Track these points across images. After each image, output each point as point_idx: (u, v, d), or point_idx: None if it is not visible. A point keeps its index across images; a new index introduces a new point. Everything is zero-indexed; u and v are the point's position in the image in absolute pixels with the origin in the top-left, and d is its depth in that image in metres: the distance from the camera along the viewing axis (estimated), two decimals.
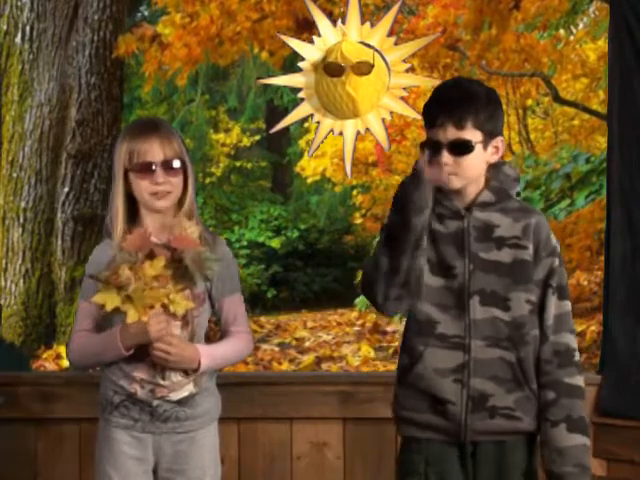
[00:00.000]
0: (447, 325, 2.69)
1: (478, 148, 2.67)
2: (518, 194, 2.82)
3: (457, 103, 2.68)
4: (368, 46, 3.52)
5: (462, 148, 2.66)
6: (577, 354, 2.72)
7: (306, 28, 7.48)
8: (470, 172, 2.69)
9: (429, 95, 2.84)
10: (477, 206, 2.71)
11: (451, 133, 2.66)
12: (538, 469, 2.76)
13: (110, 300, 2.72)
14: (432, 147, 2.68)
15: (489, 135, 2.69)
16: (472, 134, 2.66)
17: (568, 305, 2.73)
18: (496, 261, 2.69)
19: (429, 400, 2.70)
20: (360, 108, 3.58)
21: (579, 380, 2.71)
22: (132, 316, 2.74)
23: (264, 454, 3.91)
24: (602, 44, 9.32)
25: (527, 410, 2.69)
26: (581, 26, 9.71)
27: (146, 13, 11.92)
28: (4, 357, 7.13)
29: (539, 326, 2.70)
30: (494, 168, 2.72)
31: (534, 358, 2.69)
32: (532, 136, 10.87)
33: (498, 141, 2.72)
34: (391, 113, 3.58)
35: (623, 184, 3.95)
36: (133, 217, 2.94)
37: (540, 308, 2.71)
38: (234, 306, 2.97)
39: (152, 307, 2.76)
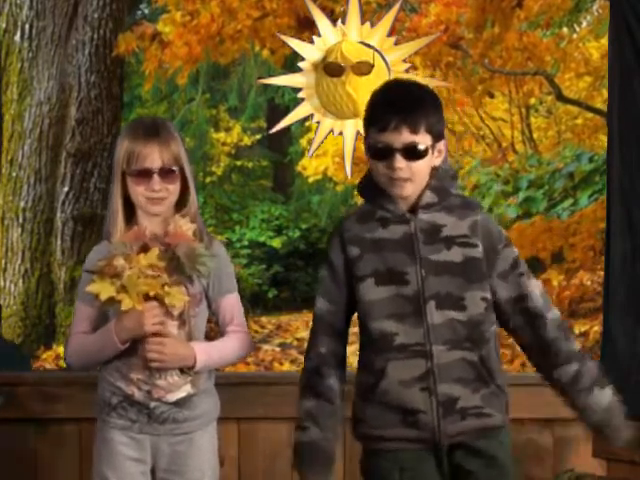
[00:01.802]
0: (406, 334, 2.67)
1: (428, 152, 2.68)
2: (460, 188, 2.78)
3: (411, 106, 2.65)
4: (368, 46, 3.53)
5: (416, 153, 2.66)
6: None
7: (307, 26, 7.43)
8: (421, 177, 2.69)
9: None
10: (421, 208, 2.70)
11: (405, 137, 2.64)
12: (510, 459, 2.80)
13: (104, 290, 2.72)
14: (383, 152, 2.66)
15: (436, 139, 2.70)
16: (424, 138, 2.66)
17: (540, 283, 2.79)
18: (447, 261, 2.68)
19: (399, 414, 2.68)
20: (360, 108, 3.58)
21: (578, 344, 2.80)
22: (126, 304, 2.73)
23: (264, 454, 3.94)
24: (606, 42, 9.26)
25: (496, 406, 2.70)
26: (584, 24, 9.67)
27: (146, 11, 11.87)
28: (8, 357, 7.12)
29: (525, 314, 2.71)
30: (433, 170, 2.70)
31: (497, 354, 2.70)
32: (535, 135, 10.83)
33: (442, 144, 2.73)
34: None
35: (623, 184, 3.96)
36: (131, 218, 2.94)
37: (518, 297, 2.73)
38: (231, 305, 2.98)
39: (147, 295, 2.74)
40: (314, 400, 2.75)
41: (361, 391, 2.76)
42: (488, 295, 2.71)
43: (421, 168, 2.68)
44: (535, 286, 2.76)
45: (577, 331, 8.76)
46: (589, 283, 9.07)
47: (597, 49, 9.45)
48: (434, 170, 2.73)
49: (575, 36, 9.58)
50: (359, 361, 2.78)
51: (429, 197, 2.71)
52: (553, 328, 2.75)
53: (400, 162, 2.65)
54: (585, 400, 2.78)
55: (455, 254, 2.70)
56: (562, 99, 9.88)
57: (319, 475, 2.80)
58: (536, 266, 9.37)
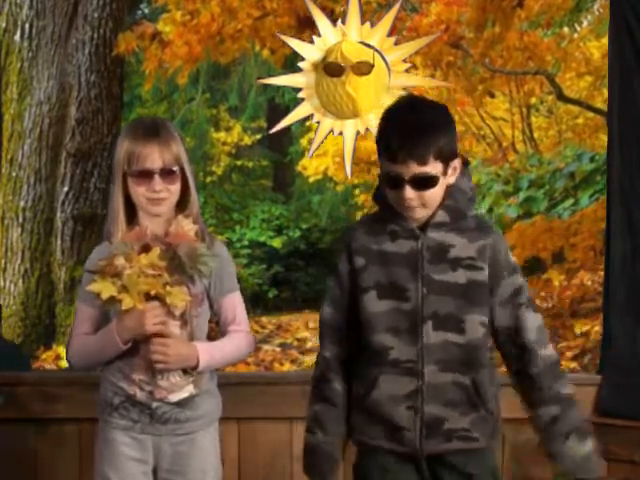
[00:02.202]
0: (400, 350, 2.68)
1: (440, 179, 2.61)
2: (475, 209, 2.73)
3: (418, 137, 2.60)
4: (368, 46, 3.53)
5: (426, 183, 2.63)
6: (559, 362, 2.73)
7: (308, 26, 7.41)
8: (433, 202, 2.67)
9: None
10: (431, 226, 2.68)
11: (413, 169, 2.61)
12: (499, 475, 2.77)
13: (105, 289, 2.72)
14: (393, 181, 2.64)
15: (448, 160, 2.66)
16: (434, 167, 2.63)
17: (541, 318, 2.74)
18: (451, 282, 2.67)
19: (385, 427, 2.69)
20: (360, 108, 3.59)
21: (570, 388, 2.75)
22: (127, 303, 2.73)
23: (264, 454, 3.95)
24: (606, 42, 9.26)
25: (483, 431, 2.69)
26: (585, 24, 9.66)
27: (146, 11, 11.86)
28: (8, 357, 7.10)
29: (518, 346, 2.68)
30: (450, 185, 2.66)
31: (492, 377, 2.68)
32: (536, 135, 10.82)
33: (455, 162, 2.69)
34: None
35: (623, 184, 3.97)
36: (132, 218, 2.94)
37: (514, 328, 2.70)
38: (232, 305, 2.98)
39: (148, 295, 2.74)
40: (320, 404, 2.82)
41: (354, 400, 2.78)
42: (486, 320, 2.70)
43: (433, 195, 2.66)
44: (533, 320, 2.72)
45: (578, 331, 8.74)
46: (590, 283, 9.06)
47: (598, 49, 9.43)
48: (450, 187, 2.70)
49: (576, 36, 9.57)
50: (353, 371, 2.80)
51: (441, 216, 2.69)
52: (543, 365, 2.72)
53: (410, 193, 2.63)
54: (558, 447, 2.73)
55: (460, 276, 2.68)
56: (563, 99, 9.87)
57: (323, 477, 2.85)
58: (537, 266, 9.37)
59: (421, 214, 2.68)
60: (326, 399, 2.81)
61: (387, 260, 2.69)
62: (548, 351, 2.73)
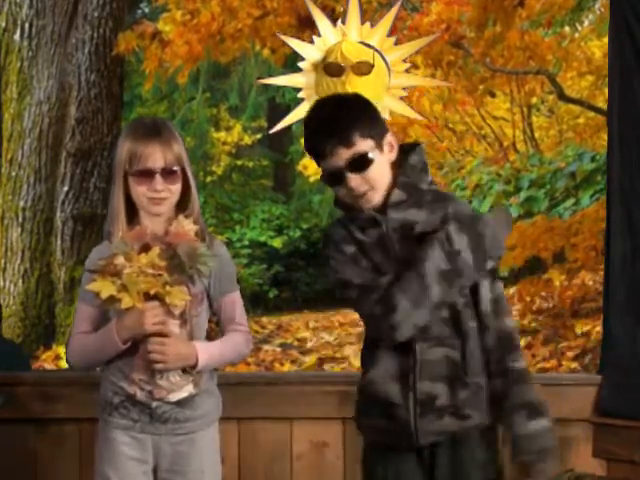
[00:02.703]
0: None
1: (376, 155, 2.63)
2: (433, 182, 2.73)
3: (334, 125, 2.65)
4: (368, 46, 3.52)
5: (362, 163, 2.65)
6: (517, 336, 2.69)
7: (308, 25, 7.40)
8: (380, 181, 2.68)
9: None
10: (390, 207, 2.69)
11: (344, 154, 2.64)
12: (499, 461, 2.77)
13: (105, 288, 2.72)
14: (334, 177, 2.67)
15: (379, 137, 2.68)
16: (363, 144, 2.65)
17: (501, 286, 2.72)
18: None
19: (381, 405, 2.71)
20: None
21: (524, 363, 2.71)
22: (127, 302, 2.73)
23: (264, 454, 3.97)
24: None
25: (475, 406, 2.69)
26: (586, 23, 9.64)
27: (146, 10, 11.85)
28: (7, 357, 7.10)
29: (476, 315, 2.67)
30: (400, 162, 2.67)
31: (479, 351, 2.67)
32: (537, 134, 10.81)
33: (388, 137, 2.70)
34: (391, 113, 3.58)
35: (623, 184, 3.98)
36: (132, 218, 2.94)
37: (476, 297, 2.67)
38: (232, 305, 2.99)
39: (147, 294, 2.74)
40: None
41: (359, 381, 2.84)
42: (466, 290, 2.70)
43: (376, 173, 2.68)
44: (489, 290, 2.71)
45: (579, 331, 8.74)
46: (591, 283, 9.05)
47: (599, 48, 9.41)
48: (399, 161, 2.71)
49: (577, 35, 9.56)
50: (361, 355, 2.84)
51: (397, 195, 2.70)
52: (492, 338, 2.70)
53: (353, 180, 2.66)
54: (506, 420, 2.71)
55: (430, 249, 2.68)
56: (564, 98, 9.86)
57: None
58: (537, 266, 9.35)
59: (375, 198, 2.69)
60: None
61: (365, 248, 2.73)
62: (500, 323, 2.71)
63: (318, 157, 2.71)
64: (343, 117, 2.67)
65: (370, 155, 2.66)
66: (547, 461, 2.67)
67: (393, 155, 2.72)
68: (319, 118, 2.73)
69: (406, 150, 2.75)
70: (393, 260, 2.69)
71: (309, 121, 2.76)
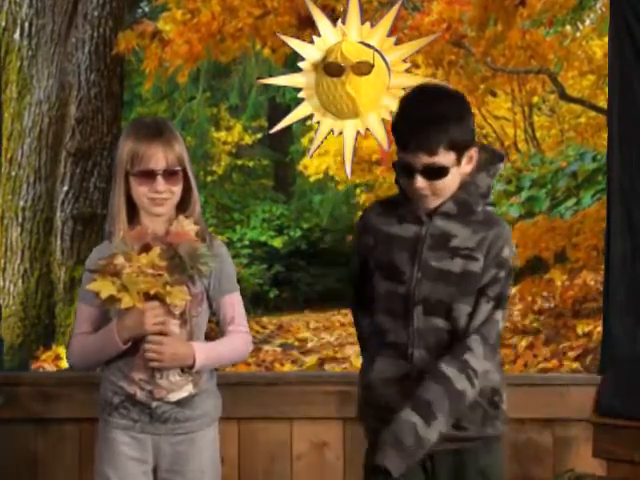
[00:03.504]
0: (396, 333, 2.72)
1: (452, 169, 2.66)
2: (493, 204, 2.77)
3: (428, 129, 2.62)
4: (368, 46, 3.50)
5: (436, 173, 2.65)
6: (477, 364, 2.64)
7: (309, 25, 7.39)
8: (446, 191, 2.69)
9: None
10: (438, 215, 2.71)
11: (424, 159, 2.63)
12: (501, 468, 2.78)
13: (105, 288, 2.72)
14: (405, 170, 2.68)
15: (462, 150, 2.67)
16: (445, 157, 2.64)
17: (497, 319, 2.69)
18: (446, 270, 2.69)
19: (378, 409, 2.74)
20: (360, 108, 3.57)
21: (458, 382, 2.62)
22: (126, 302, 2.73)
23: (264, 454, 3.96)
24: None
25: (471, 419, 2.68)
26: (588, 22, 9.64)
27: (146, 9, 11.87)
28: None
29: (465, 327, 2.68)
30: (469, 177, 2.68)
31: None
32: (538, 134, 10.83)
33: (472, 152, 2.70)
34: (391, 113, 3.57)
35: (623, 184, 3.99)
36: (132, 218, 2.93)
37: (470, 314, 2.68)
38: (232, 305, 2.97)
39: (147, 294, 2.74)
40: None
41: (359, 377, 2.85)
42: (470, 310, 2.70)
43: (444, 185, 2.68)
44: (484, 312, 2.69)
45: (580, 331, 8.73)
46: (592, 283, 9.05)
47: (600, 47, 9.41)
48: (466, 179, 2.71)
49: (578, 34, 9.56)
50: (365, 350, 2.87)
51: (449, 207, 2.71)
52: (456, 343, 2.67)
53: (420, 182, 2.66)
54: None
55: (456, 265, 2.69)
56: (565, 98, 9.86)
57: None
58: (539, 266, 9.35)
59: (433, 203, 2.70)
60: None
61: (391, 242, 2.74)
62: (472, 341, 2.66)
63: (399, 145, 2.69)
64: (438, 124, 2.63)
65: (446, 167, 2.65)
66: (385, 450, 2.63)
67: (469, 168, 2.71)
68: (416, 111, 2.68)
69: (484, 162, 2.74)
70: (415, 262, 2.71)
71: (405, 107, 2.72)
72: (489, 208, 2.77)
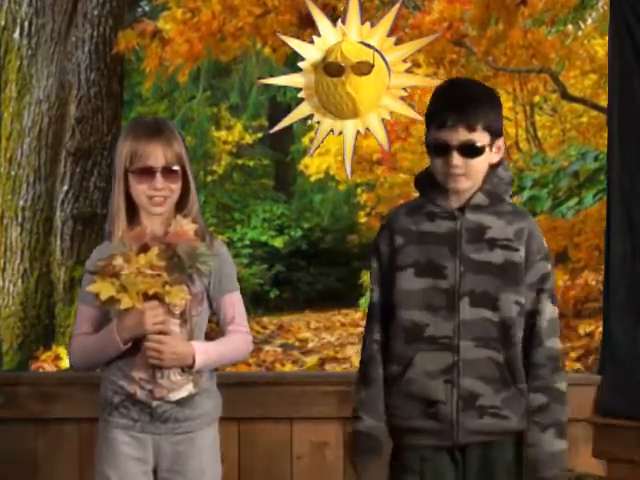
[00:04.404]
0: (437, 326, 2.74)
1: (486, 150, 2.75)
2: (511, 196, 2.86)
3: (468, 105, 2.73)
4: (368, 46, 3.48)
5: (473, 150, 2.73)
6: (563, 358, 2.82)
7: (309, 24, 7.38)
8: (478, 173, 2.76)
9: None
10: (470, 208, 2.78)
11: (462, 135, 2.72)
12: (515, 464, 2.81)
13: (104, 289, 2.73)
14: (441, 148, 2.74)
15: (495, 136, 2.77)
16: (481, 136, 2.73)
17: (557, 311, 2.80)
18: (487, 262, 2.74)
19: (421, 404, 2.75)
20: (360, 108, 3.55)
21: (565, 386, 2.79)
22: (126, 303, 2.74)
23: (264, 454, 3.95)
24: None
25: (515, 409, 2.74)
26: (589, 21, 9.64)
27: (147, 8, 11.87)
28: None
29: (530, 329, 2.76)
30: (490, 168, 2.76)
31: (522, 358, 2.73)
32: (540, 133, 10.82)
33: (500, 141, 2.81)
34: (391, 113, 3.56)
35: (623, 184, 4.00)
36: (132, 218, 2.93)
37: (532, 311, 2.76)
38: (232, 305, 2.98)
39: (146, 294, 2.74)
40: (369, 388, 2.85)
41: (389, 381, 2.82)
42: (522, 300, 2.75)
43: (478, 165, 2.75)
44: (549, 309, 2.78)
45: (582, 332, 8.72)
46: (594, 283, 9.03)
47: (602, 46, 9.40)
48: (493, 167, 2.80)
49: (580, 33, 9.56)
50: (388, 352, 2.84)
51: (480, 199, 2.78)
52: (542, 355, 2.77)
53: (457, 159, 2.72)
54: (534, 435, 2.77)
55: (496, 256, 2.75)
56: (567, 97, 9.85)
57: (373, 462, 2.87)
58: None
59: (465, 185, 2.75)
60: (374, 382, 2.85)
61: (425, 239, 2.78)
62: (553, 343, 2.78)
63: (435, 124, 2.75)
64: (479, 102, 2.74)
65: (482, 146, 2.73)
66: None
67: (496, 158, 2.79)
68: (454, 91, 2.80)
69: (498, 164, 2.83)
70: (457, 256, 2.75)
71: (441, 91, 2.82)
72: (511, 200, 2.86)
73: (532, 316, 2.77)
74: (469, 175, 2.74)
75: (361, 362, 2.91)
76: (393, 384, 2.80)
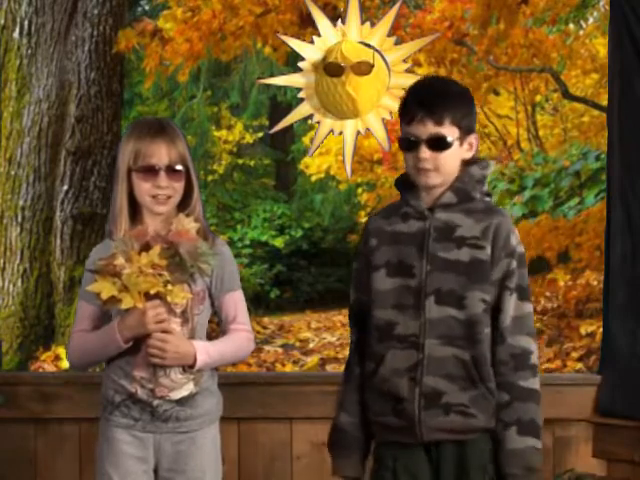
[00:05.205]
0: (405, 325, 2.78)
1: (455, 144, 2.78)
2: (488, 194, 2.87)
3: (436, 100, 2.78)
4: (368, 46, 3.49)
5: (441, 143, 2.77)
6: (534, 357, 2.79)
7: (310, 23, 7.37)
8: (447, 168, 2.79)
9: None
10: (439, 207, 2.81)
11: (430, 128, 2.76)
12: (483, 467, 2.81)
13: (105, 289, 2.74)
14: (410, 143, 2.78)
15: (465, 132, 2.81)
16: (450, 130, 2.77)
17: (529, 307, 2.81)
18: (455, 260, 2.77)
19: (390, 401, 2.79)
20: (360, 108, 3.57)
21: (533, 383, 2.77)
22: (127, 302, 2.74)
23: (264, 454, 3.98)
24: None
25: (483, 408, 2.75)
26: (591, 20, 9.63)
27: (147, 7, 11.86)
28: None
29: (495, 326, 2.77)
30: (464, 167, 2.83)
31: (490, 357, 2.74)
32: (541, 133, 10.81)
33: (472, 138, 2.83)
34: (391, 113, 3.57)
35: (623, 184, 4.01)
36: (135, 217, 2.95)
37: (496, 309, 2.78)
38: (233, 304, 2.99)
39: (148, 294, 2.75)
40: (344, 387, 2.93)
41: (366, 378, 2.87)
42: (488, 297, 2.76)
43: (447, 159, 2.78)
44: (513, 307, 2.78)
45: (583, 332, 8.72)
46: (595, 283, 9.02)
47: (603, 46, 9.37)
48: (465, 164, 2.83)
49: (581, 32, 9.56)
50: (366, 350, 2.88)
51: (448, 197, 2.80)
52: (505, 352, 2.77)
53: (425, 152, 2.76)
54: (498, 432, 2.77)
55: (464, 254, 2.77)
56: (568, 96, 9.84)
57: (347, 456, 2.92)
58: (542, 266, 9.33)
59: (435, 180, 2.79)
60: (349, 382, 2.93)
61: (397, 240, 2.83)
62: (518, 341, 2.77)
63: (405, 120, 2.81)
64: (445, 97, 2.79)
65: (450, 140, 2.77)
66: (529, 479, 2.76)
67: (468, 154, 2.83)
68: (424, 88, 2.85)
69: (473, 161, 2.86)
70: (424, 255, 2.78)
71: (414, 87, 2.88)
72: (487, 199, 2.86)
73: (496, 313, 2.77)
74: (439, 170, 2.78)
75: (345, 363, 2.99)
76: (369, 381, 2.85)
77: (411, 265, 2.78)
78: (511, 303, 2.77)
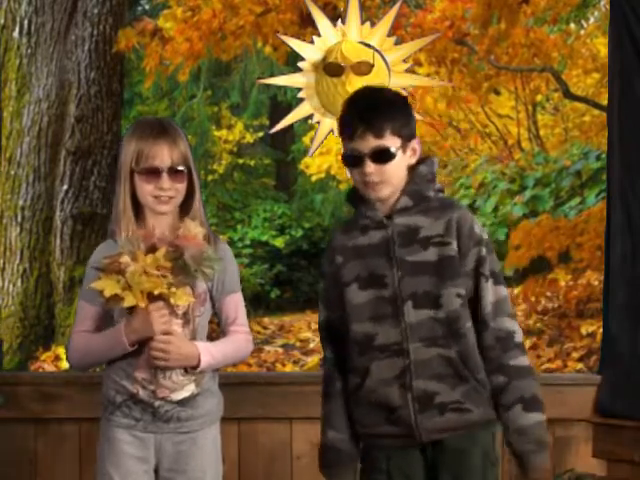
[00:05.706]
0: (385, 334, 2.78)
1: (399, 154, 2.79)
2: (441, 190, 2.88)
3: (374, 113, 2.78)
4: (368, 46, 3.49)
5: (384, 156, 2.77)
6: (518, 336, 2.80)
7: (310, 22, 7.36)
8: (395, 178, 2.80)
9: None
10: (397, 212, 2.81)
11: (372, 142, 2.76)
12: (499, 457, 2.84)
13: (109, 286, 2.74)
14: (354, 159, 2.78)
15: (406, 139, 2.81)
16: (392, 141, 2.78)
17: (504, 290, 2.83)
18: (423, 261, 2.78)
19: (382, 412, 2.79)
20: None
21: (524, 361, 2.79)
22: (129, 301, 2.75)
23: (264, 454, 4.00)
24: None
25: (477, 401, 2.76)
26: (592, 20, 9.63)
27: (147, 7, 11.85)
28: None
29: (477, 315, 2.79)
30: (411, 170, 2.84)
31: (476, 348, 2.76)
32: (542, 132, 10.79)
33: (414, 143, 2.84)
34: None
35: (623, 184, 4.03)
36: (137, 217, 2.96)
37: (474, 299, 2.80)
38: (234, 305, 3.00)
39: (151, 295, 2.76)
40: (328, 404, 2.93)
41: (351, 392, 2.86)
42: (462, 291, 2.78)
43: (393, 170, 2.78)
44: (491, 292, 2.80)
45: (584, 332, 8.70)
46: (596, 283, 9.01)
47: (604, 45, 9.33)
48: (412, 169, 2.83)
49: (582, 32, 9.55)
50: (348, 365, 2.87)
51: (404, 202, 2.81)
52: (490, 337, 2.78)
53: (370, 167, 2.75)
54: (502, 415, 2.79)
55: (431, 254, 2.78)
56: (569, 96, 9.83)
57: (338, 474, 2.93)
58: (543, 266, 9.32)
59: (384, 192, 2.79)
60: (332, 397, 2.92)
61: (362, 253, 2.82)
62: (500, 323, 2.79)
63: (346, 137, 2.81)
64: (383, 109, 2.79)
65: (393, 151, 2.77)
66: (543, 453, 2.81)
67: (413, 160, 2.83)
68: (360, 102, 2.84)
69: (418, 162, 2.86)
70: (393, 262, 2.78)
71: (350, 102, 2.87)
72: (440, 195, 2.86)
73: (475, 303, 2.79)
74: (386, 182, 2.78)
75: (322, 380, 2.99)
76: (355, 395, 2.84)
77: (382, 275, 2.79)
78: (489, 289, 2.79)
